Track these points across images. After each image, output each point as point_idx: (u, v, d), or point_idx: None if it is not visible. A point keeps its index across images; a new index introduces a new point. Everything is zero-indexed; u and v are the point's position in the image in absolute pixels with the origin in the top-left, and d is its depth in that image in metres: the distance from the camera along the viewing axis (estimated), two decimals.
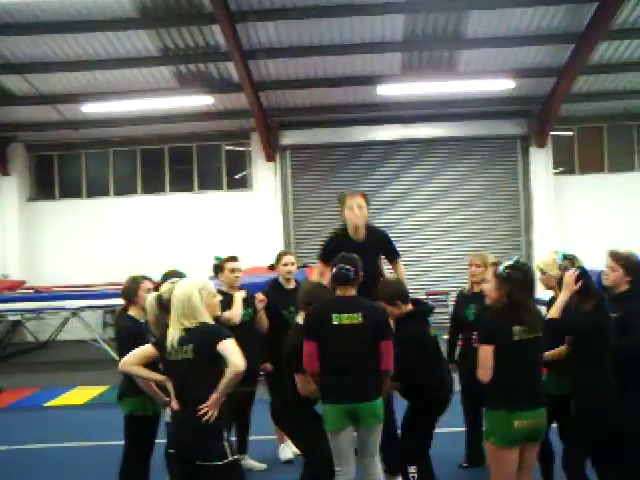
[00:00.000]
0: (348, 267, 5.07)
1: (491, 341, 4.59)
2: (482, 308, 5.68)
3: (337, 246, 5.84)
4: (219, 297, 4.71)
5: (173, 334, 4.36)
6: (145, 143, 17.59)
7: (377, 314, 5.12)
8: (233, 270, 6.59)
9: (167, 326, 4.53)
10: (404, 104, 15.93)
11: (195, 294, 4.42)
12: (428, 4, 12.80)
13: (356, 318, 4.99)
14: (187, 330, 4.35)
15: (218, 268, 6.66)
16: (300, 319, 5.37)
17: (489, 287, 4.88)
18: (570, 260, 5.49)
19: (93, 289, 14.37)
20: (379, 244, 6.16)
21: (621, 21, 13.24)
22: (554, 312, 5.02)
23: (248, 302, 6.64)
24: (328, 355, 5.00)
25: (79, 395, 10.73)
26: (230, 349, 4.27)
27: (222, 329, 4.49)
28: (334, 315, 4.99)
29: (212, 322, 4.47)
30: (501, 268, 4.75)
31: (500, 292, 4.71)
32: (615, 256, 5.28)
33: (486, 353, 4.58)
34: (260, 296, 6.66)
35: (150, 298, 5.02)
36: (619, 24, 13.31)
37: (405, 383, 5.43)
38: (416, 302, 5.72)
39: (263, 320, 6.70)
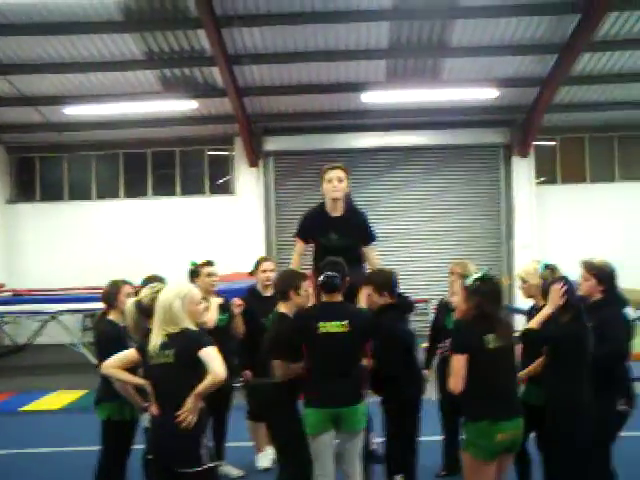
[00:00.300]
0: (334, 274, 5.07)
1: (464, 350, 4.60)
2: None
3: (314, 222, 5.86)
4: (204, 304, 4.71)
5: (156, 339, 4.38)
6: (128, 147, 17.50)
7: (364, 321, 5.15)
8: (209, 275, 6.58)
9: (147, 331, 4.54)
10: (388, 111, 15.98)
11: (176, 302, 4.43)
12: (413, 12, 12.85)
13: (343, 326, 5.01)
14: (170, 335, 4.37)
15: (194, 273, 6.63)
16: (282, 308, 5.32)
17: (457, 299, 4.93)
18: (551, 270, 5.54)
19: (73, 292, 14.27)
20: (357, 224, 6.01)
21: (603, 33, 13.35)
22: (534, 323, 5.07)
23: (225, 307, 6.63)
24: (313, 362, 5.03)
25: (56, 400, 10.64)
26: (212, 356, 4.29)
27: (204, 336, 4.51)
28: (320, 323, 5.00)
29: (194, 328, 4.47)
30: (469, 280, 4.81)
31: (469, 304, 4.76)
32: (588, 266, 5.34)
33: (459, 362, 4.59)
34: (237, 301, 6.64)
35: (129, 303, 5.02)
36: (601, 36, 13.43)
37: (375, 374, 5.41)
38: (398, 295, 5.73)
39: (239, 326, 6.67)
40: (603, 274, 5.29)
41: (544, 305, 5.15)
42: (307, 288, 5.41)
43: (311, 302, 5.45)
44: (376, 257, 6.17)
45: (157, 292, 4.93)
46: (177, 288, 4.57)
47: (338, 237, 5.88)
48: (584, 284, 5.32)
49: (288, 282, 5.37)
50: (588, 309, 5.16)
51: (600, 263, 5.38)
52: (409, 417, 5.51)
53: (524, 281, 5.74)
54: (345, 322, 5.01)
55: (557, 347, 4.97)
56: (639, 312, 13.47)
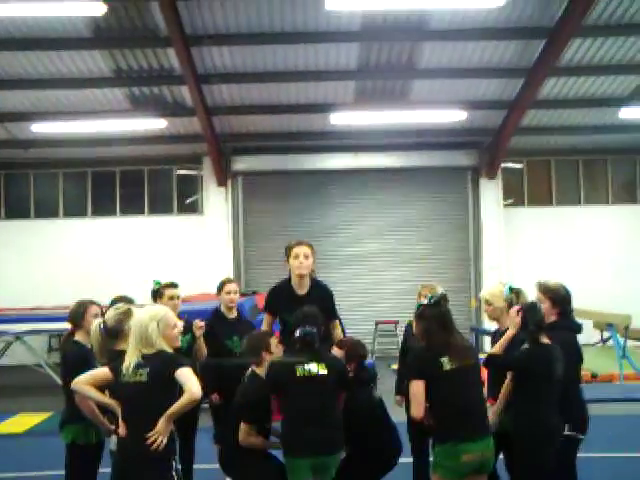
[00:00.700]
0: (312, 330, 5.07)
1: (421, 375, 4.67)
2: None
3: (280, 299, 5.85)
4: (180, 327, 4.68)
5: (130, 358, 4.34)
6: (96, 165, 17.38)
7: (339, 365, 5.18)
8: (172, 297, 6.49)
9: (111, 352, 4.54)
10: (357, 133, 16.07)
11: (152, 325, 4.41)
12: (383, 34, 12.92)
13: (321, 368, 5.00)
14: (145, 356, 4.34)
15: (157, 293, 6.55)
16: (258, 370, 5.27)
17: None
18: (516, 293, 5.52)
19: (39, 312, 14.04)
20: (322, 299, 5.88)
21: (568, 59, 13.58)
22: (496, 348, 5.11)
23: (186, 329, 6.55)
24: (293, 407, 4.99)
25: (19, 423, 10.40)
26: (188, 376, 4.27)
27: (181, 358, 4.51)
28: (299, 367, 4.98)
29: (170, 350, 4.45)
30: (417, 305, 4.89)
31: (418, 328, 4.90)
32: (542, 288, 5.36)
33: (417, 388, 4.66)
34: (198, 323, 6.57)
35: (94, 325, 4.96)
36: (566, 62, 13.65)
37: (354, 448, 5.30)
38: (362, 368, 5.61)
39: (202, 347, 6.60)
40: (558, 296, 5.29)
41: (508, 329, 5.18)
42: (277, 344, 5.40)
43: None
44: (340, 334, 6.09)
45: (122, 313, 4.91)
46: (153, 310, 4.55)
47: None
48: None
49: (258, 344, 5.34)
50: (545, 331, 5.18)
51: (555, 285, 5.37)
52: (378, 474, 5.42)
53: (489, 303, 5.64)
54: (322, 365, 5.01)
55: (521, 371, 4.95)
56: (606, 333, 13.70)
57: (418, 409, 4.63)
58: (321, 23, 12.41)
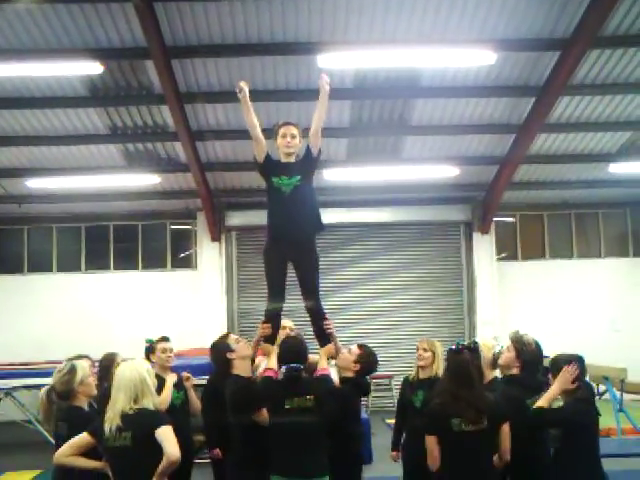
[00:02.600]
0: (298, 367, 5.09)
1: (433, 431, 4.63)
2: (431, 394, 5.68)
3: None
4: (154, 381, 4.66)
5: (112, 419, 4.29)
6: (90, 220, 17.42)
7: (327, 391, 5.18)
8: (164, 350, 6.51)
9: (63, 411, 4.66)
10: (350, 188, 16.17)
11: (146, 375, 4.42)
12: (375, 91, 13.13)
13: (309, 402, 5.02)
14: (125, 416, 4.29)
15: (150, 350, 6.55)
16: (234, 371, 5.37)
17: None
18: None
19: (31, 367, 13.89)
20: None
21: (557, 116, 13.80)
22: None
23: (180, 385, 6.53)
24: (279, 435, 4.98)
25: None
26: (165, 437, 4.22)
27: (161, 415, 4.48)
28: (286, 400, 5.01)
29: (152, 407, 4.41)
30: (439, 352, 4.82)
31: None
32: (513, 338, 5.35)
33: (430, 442, 4.63)
34: (185, 374, 6.56)
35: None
36: (555, 118, 13.86)
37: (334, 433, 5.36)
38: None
39: (195, 401, 6.57)
40: (524, 350, 5.26)
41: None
42: (235, 339, 5.63)
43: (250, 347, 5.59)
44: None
45: (67, 374, 4.92)
46: (139, 362, 4.59)
47: None
48: (505, 354, 5.33)
49: (220, 351, 5.53)
50: (503, 381, 5.23)
51: (526, 339, 5.35)
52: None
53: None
54: (311, 397, 5.02)
55: (573, 426, 4.83)
56: (602, 387, 13.61)
57: (433, 462, 4.62)
58: (313, 81, 12.53)
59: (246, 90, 5.67)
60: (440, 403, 4.69)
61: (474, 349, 5.04)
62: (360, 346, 5.77)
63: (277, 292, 5.80)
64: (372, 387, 16.04)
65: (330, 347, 5.62)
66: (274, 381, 5.20)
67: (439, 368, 6.15)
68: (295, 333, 6.14)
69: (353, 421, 5.58)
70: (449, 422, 4.55)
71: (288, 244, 5.73)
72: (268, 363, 5.38)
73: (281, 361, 5.21)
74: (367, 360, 5.71)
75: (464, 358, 4.80)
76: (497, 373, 5.69)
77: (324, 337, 5.66)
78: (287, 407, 4.99)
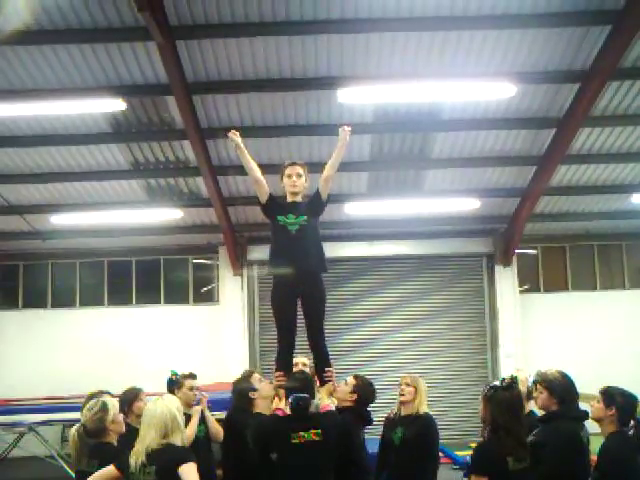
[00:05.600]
0: (304, 396, 5.02)
1: (485, 472, 4.35)
2: (410, 432, 5.80)
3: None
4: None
5: (138, 454, 4.30)
6: (113, 255, 17.56)
7: (334, 424, 5.13)
8: (192, 388, 6.55)
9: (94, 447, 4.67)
10: (371, 222, 16.19)
11: (177, 412, 4.43)
12: (395, 125, 13.19)
13: (316, 435, 4.95)
14: (152, 451, 4.30)
15: (175, 383, 6.56)
16: (258, 410, 5.62)
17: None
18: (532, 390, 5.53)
19: (53, 402, 13.90)
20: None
21: (577, 147, 13.78)
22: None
23: (202, 419, 6.53)
24: (285, 470, 4.92)
25: None
26: (187, 473, 4.21)
27: (186, 452, 4.46)
28: (292, 434, 4.94)
29: (178, 444, 4.42)
30: (485, 387, 4.67)
31: (484, 412, 4.56)
32: (539, 379, 5.21)
33: None
34: (197, 408, 6.60)
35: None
36: (576, 150, 13.84)
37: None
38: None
39: (216, 428, 6.60)
40: (554, 386, 5.13)
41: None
42: (258, 379, 5.88)
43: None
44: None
45: (99, 411, 4.91)
46: (170, 399, 4.62)
47: None
48: (539, 397, 5.21)
49: (243, 389, 5.77)
50: (539, 421, 5.12)
51: (552, 375, 5.22)
52: None
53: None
54: (318, 430, 4.96)
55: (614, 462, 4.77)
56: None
57: None
58: (334, 115, 12.67)
59: (237, 140, 5.92)
60: (496, 441, 4.40)
61: (515, 384, 4.82)
62: (356, 376, 5.87)
63: (286, 332, 5.86)
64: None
65: (330, 385, 5.75)
66: (280, 417, 5.19)
67: (421, 404, 6.07)
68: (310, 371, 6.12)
69: (358, 450, 5.58)
70: (505, 460, 4.30)
71: (296, 279, 5.84)
72: (278, 404, 5.42)
73: (287, 393, 5.17)
74: (364, 390, 5.76)
75: (516, 393, 4.63)
76: (532, 405, 5.65)
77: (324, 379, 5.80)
78: (292, 442, 4.92)
